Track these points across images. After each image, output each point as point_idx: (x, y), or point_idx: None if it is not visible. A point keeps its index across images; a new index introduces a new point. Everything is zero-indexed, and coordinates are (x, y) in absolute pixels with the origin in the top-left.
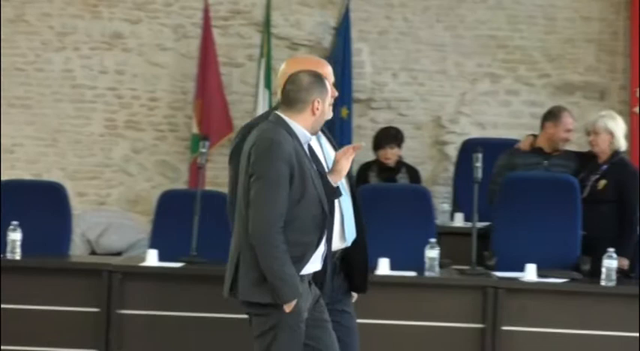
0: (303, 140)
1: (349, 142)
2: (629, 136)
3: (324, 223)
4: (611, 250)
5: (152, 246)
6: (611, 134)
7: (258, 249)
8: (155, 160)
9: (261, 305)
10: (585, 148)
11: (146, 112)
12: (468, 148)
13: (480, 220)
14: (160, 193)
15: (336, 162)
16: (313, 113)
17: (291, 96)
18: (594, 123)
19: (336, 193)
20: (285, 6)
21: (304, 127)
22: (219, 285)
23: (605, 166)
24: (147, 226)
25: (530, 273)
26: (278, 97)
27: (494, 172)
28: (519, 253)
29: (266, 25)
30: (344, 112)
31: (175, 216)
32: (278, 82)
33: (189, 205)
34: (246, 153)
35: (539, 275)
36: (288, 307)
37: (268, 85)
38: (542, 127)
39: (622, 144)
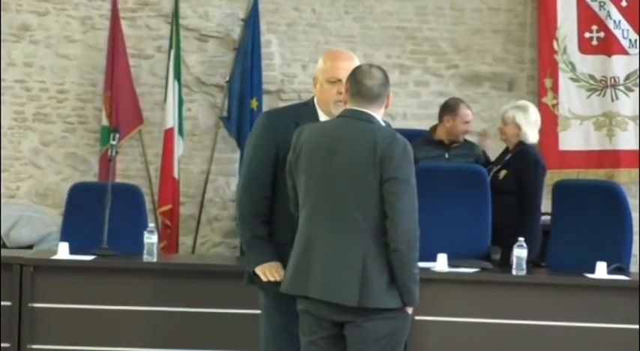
0: None
1: None
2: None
3: None
4: (522, 239)
5: (63, 239)
6: (518, 127)
7: (407, 254)
8: (65, 153)
9: (387, 310)
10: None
11: (55, 105)
12: None
13: None
14: (70, 185)
15: None
16: (386, 106)
17: (375, 91)
18: (504, 113)
19: None
20: None
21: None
22: (130, 277)
23: (509, 156)
24: (57, 219)
25: (441, 263)
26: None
27: None
28: (430, 243)
29: (174, 17)
30: (254, 103)
31: (86, 209)
32: (331, 75)
33: (99, 198)
34: (367, 151)
35: (450, 265)
36: (411, 309)
37: (178, 76)
38: (441, 120)
39: (530, 136)
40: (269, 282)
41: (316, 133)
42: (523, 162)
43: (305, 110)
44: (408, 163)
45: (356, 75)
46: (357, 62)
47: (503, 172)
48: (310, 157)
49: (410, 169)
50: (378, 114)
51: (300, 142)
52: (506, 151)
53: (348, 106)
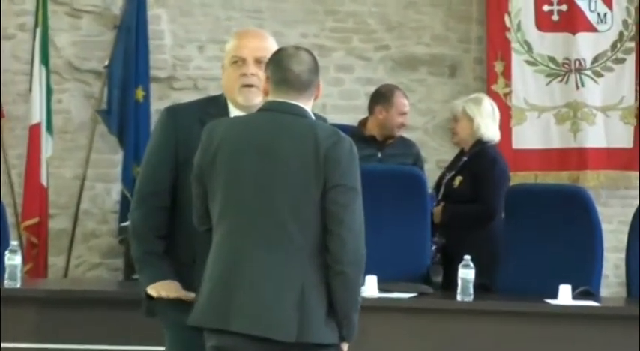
0: None
1: (146, 129)
2: None
3: None
4: (467, 257)
5: None
6: (471, 120)
7: (354, 278)
8: None
9: (326, 346)
10: (447, 136)
11: None
12: None
13: None
14: None
15: None
16: (316, 98)
17: (305, 78)
18: (453, 107)
19: None
20: None
21: None
22: None
23: (464, 159)
24: None
25: (370, 287)
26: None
27: None
28: None
29: None
30: (139, 93)
31: None
32: (253, 57)
33: None
34: (307, 153)
35: (381, 289)
36: (347, 346)
37: (45, 60)
38: (372, 111)
39: (487, 132)
40: (167, 302)
41: (237, 130)
42: (479, 164)
43: (214, 106)
44: (355, 168)
45: (279, 59)
46: (272, 43)
47: (458, 179)
48: (232, 160)
49: (357, 175)
50: (308, 106)
51: (215, 141)
52: (460, 154)
53: (272, 98)
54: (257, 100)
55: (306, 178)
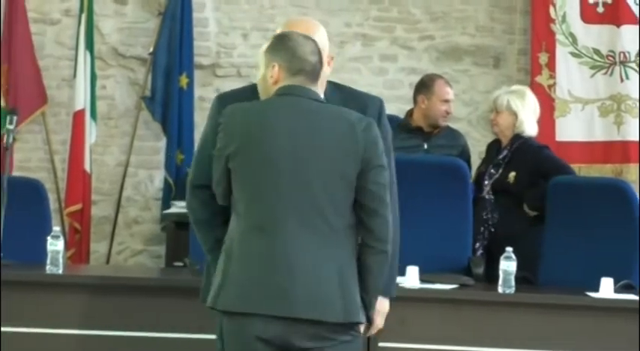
0: None
1: (189, 117)
2: None
3: None
4: (509, 249)
5: None
6: (515, 115)
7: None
8: None
9: (359, 324)
10: (490, 127)
11: None
12: None
13: None
14: None
15: None
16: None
17: (318, 68)
18: (496, 99)
19: None
20: None
21: None
22: (30, 292)
23: (505, 153)
24: None
25: (411, 278)
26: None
27: None
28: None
29: None
30: (183, 80)
31: None
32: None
33: None
34: (345, 136)
35: (422, 280)
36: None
37: (90, 46)
38: (415, 101)
39: (527, 127)
40: None
41: (266, 114)
42: (534, 157)
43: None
44: (385, 150)
45: (293, 48)
46: (320, 35)
47: (512, 175)
48: (264, 144)
49: (386, 156)
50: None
51: (240, 124)
52: (495, 147)
53: (288, 83)
54: None
55: (342, 159)
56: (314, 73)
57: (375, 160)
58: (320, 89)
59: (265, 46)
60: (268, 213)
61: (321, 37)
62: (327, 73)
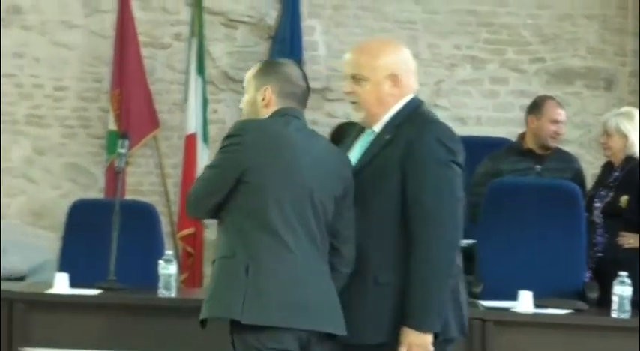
0: None
1: None
2: None
3: None
4: (623, 273)
5: (61, 269)
6: (625, 137)
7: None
8: (63, 163)
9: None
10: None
11: (51, 104)
12: None
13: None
14: (70, 203)
15: None
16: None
17: (307, 93)
18: (606, 122)
19: None
20: None
21: None
22: (143, 316)
23: (616, 175)
24: (55, 245)
25: (524, 302)
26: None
27: (474, 181)
28: (511, 277)
29: None
30: None
31: (89, 232)
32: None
33: (105, 219)
34: (339, 166)
35: (536, 305)
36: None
37: (201, 70)
38: (526, 122)
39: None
40: None
41: (281, 132)
42: None
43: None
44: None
45: (288, 74)
46: (368, 56)
47: (624, 198)
48: (287, 160)
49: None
50: None
51: (261, 138)
52: (608, 169)
53: (282, 106)
54: (360, 114)
55: (336, 182)
56: (304, 98)
57: (352, 190)
58: (382, 108)
59: (252, 71)
60: (289, 228)
61: (363, 59)
62: (387, 92)
